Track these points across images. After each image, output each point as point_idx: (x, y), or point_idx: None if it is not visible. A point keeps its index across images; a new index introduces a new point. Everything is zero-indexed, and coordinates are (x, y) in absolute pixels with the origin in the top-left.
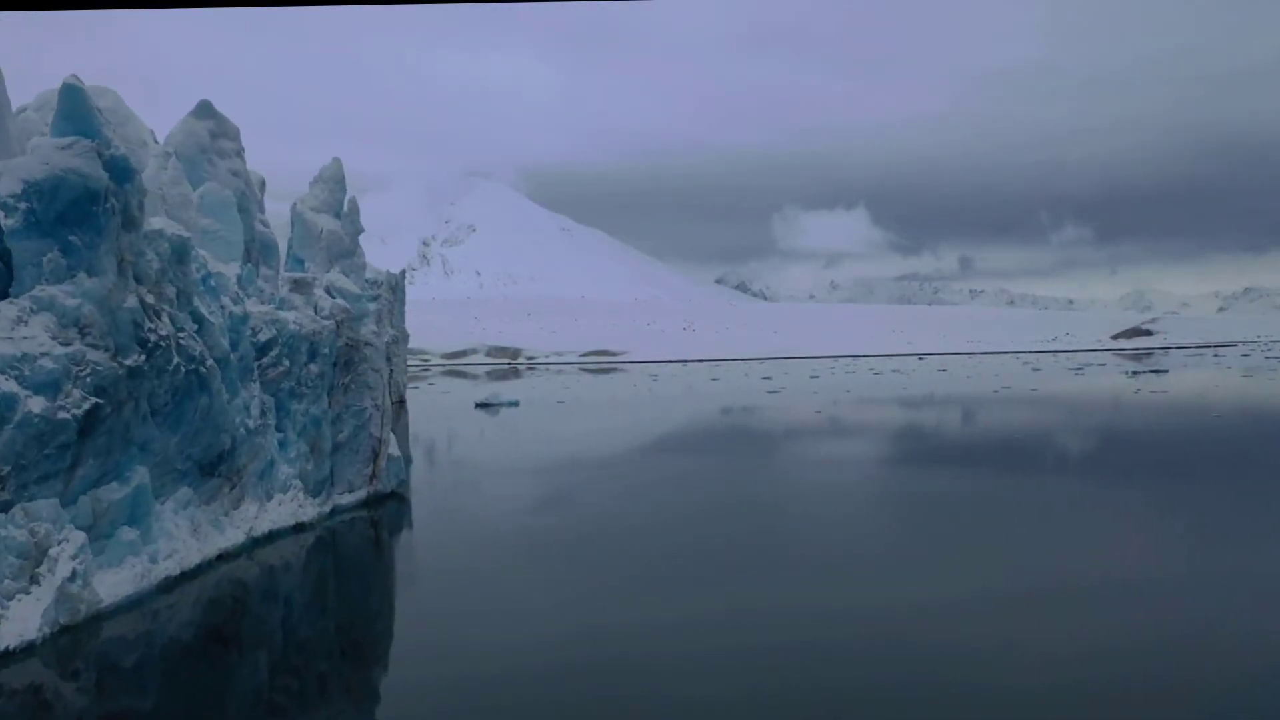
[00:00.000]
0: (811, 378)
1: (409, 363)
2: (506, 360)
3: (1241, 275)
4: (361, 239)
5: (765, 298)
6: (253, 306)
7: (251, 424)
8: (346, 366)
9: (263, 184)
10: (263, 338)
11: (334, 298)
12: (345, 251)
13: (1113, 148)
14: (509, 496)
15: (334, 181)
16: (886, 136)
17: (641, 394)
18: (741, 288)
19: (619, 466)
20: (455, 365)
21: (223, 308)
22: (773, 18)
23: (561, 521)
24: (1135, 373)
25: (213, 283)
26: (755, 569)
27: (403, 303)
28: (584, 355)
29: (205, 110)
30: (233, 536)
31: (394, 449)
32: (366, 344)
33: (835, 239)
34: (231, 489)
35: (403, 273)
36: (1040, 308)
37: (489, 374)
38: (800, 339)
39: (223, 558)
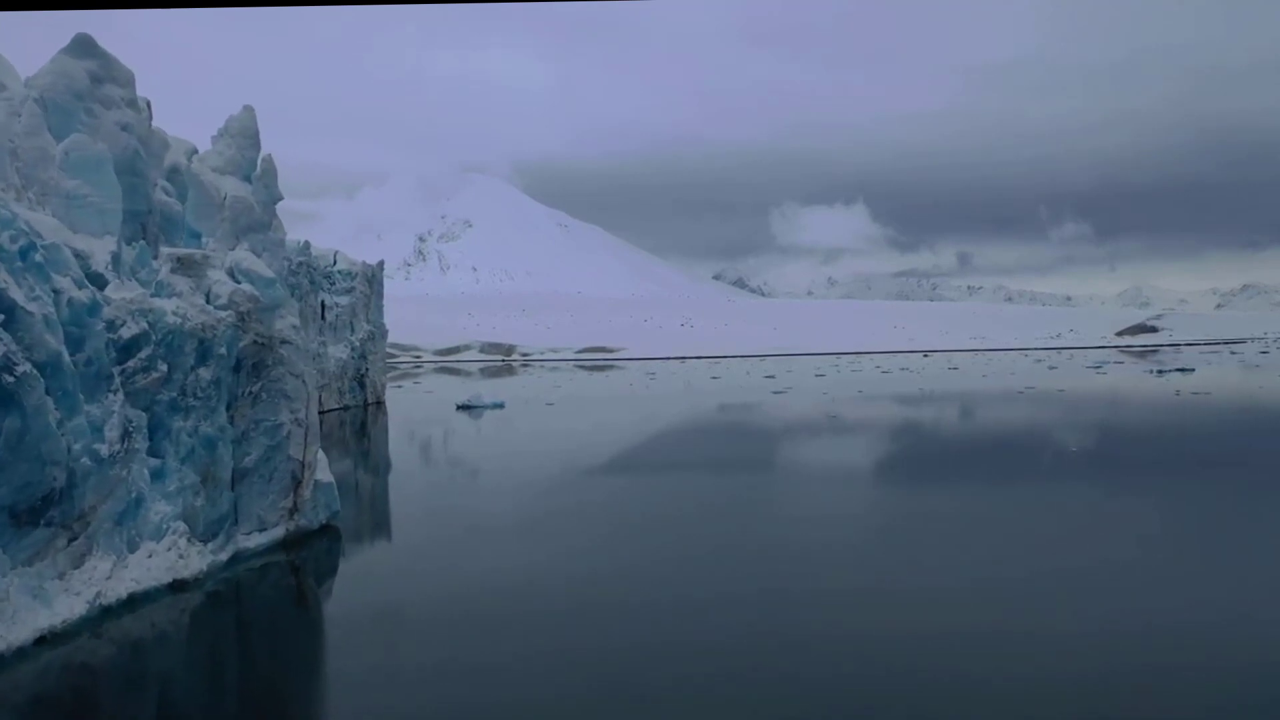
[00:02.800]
0: (817, 376)
1: (400, 360)
2: (501, 357)
3: (1240, 272)
4: (357, 234)
5: (763, 294)
6: (115, 292)
7: (105, 450)
8: (255, 371)
9: (193, 152)
10: (127, 334)
11: (238, 282)
12: (257, 224)
13: (1112, 143)
14: (472, 529)
15: (243, 135)
16: (884, 132)
17: (639, 394)
18: (739, 284)
19: (613, 487)
20: (448, 362)
21: (57, 293)
22: (770, 13)
23: (535, 565)
24: (1161, 371)
25: (39, 258)
26: (789, 661)
27: (380, 296)
28: (580, 352)
29: (84, 47)
30: (67, 609)
31: (324, 473)
32: (283, 341)
33: (833, 235)
34: (70, 541)
35: (380, 264)
36: (1039, 304)
37: (482, 371)
38: (800, 335)
39: (46, 642)
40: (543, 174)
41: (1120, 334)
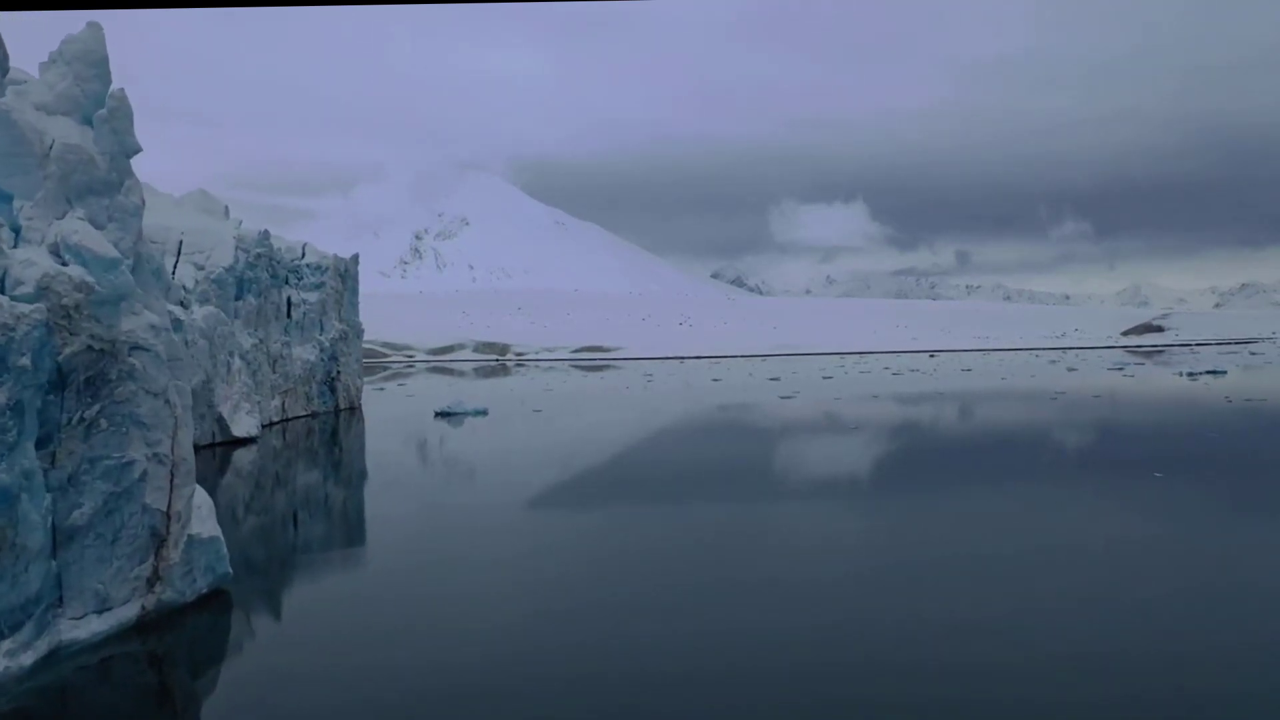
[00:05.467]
0: (824, 378)
1: (393, 359)
2: (495, 357)
3: (1238, 271)
4: (355, 232)
5: (761, 292)
6: None
7: None
8: (91, 389)
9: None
10: None
11: (64, 263)
12: (99, 183)
13: (1112, 140)
14: (422, 592)
15: (85, 62)
16: (883, 128)
17: (635, 398)
18: (737, 282)
19: (604, 529)
20: (441, 362)
21: None
22: (767, 10)
23: (500, 654)
24: (1192, 374)
25: None
26: None
27: (355, 292)
28: (576, 351)
29: None
30: None
31: (204, 524)
32: (135, 348)
33: (832, 233)
34: None
35: (355, 258)
36: (1037, 303)
37: (476, 371)
38: (800, 334)
39: None
40: (540, 171)
41: (1126, 333)
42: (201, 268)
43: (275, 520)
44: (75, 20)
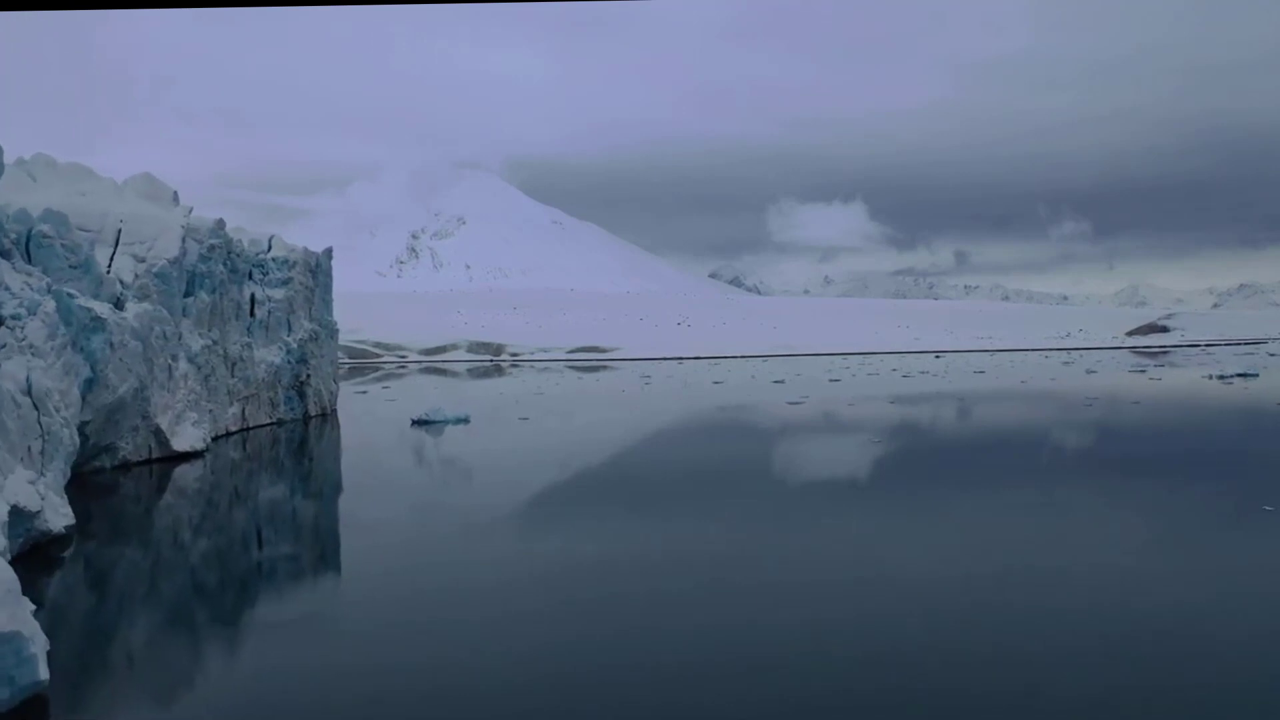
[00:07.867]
0: (831, 381)
1: (385, 360)
2: (489, 357)
3: (1237, 271)
4: (348, 229)
5: (759, 292)
6: None
7: None
8: None
9: None
10: None
11: None
12: None
13: (1111, 140)
14: (348, 689)
15: None
16: (883, 128)
17: (632, 402)
18: (735, 282)
19: (577, 593)
20: (434, 362)
21: None
22: (765, 8)
23: None
24: (1223, 376)
25: None
26: None
27: (328, 289)
28: (572, 351)
29: None
30: None
31: (12, 618)
32: None
33: (830, 233)
34: None
35: (327, 251)
36: (1035, 303)
37: (470, 372)
38: (799, 334)
39: None
40: (538, 170)
41: (1131, 333)
42: (142, 259)
43: (179, 570)
44: (75, 20)
